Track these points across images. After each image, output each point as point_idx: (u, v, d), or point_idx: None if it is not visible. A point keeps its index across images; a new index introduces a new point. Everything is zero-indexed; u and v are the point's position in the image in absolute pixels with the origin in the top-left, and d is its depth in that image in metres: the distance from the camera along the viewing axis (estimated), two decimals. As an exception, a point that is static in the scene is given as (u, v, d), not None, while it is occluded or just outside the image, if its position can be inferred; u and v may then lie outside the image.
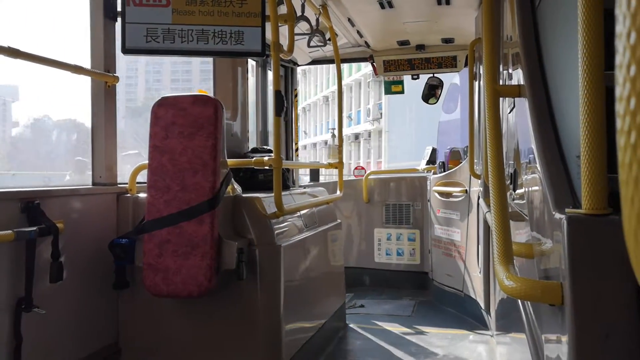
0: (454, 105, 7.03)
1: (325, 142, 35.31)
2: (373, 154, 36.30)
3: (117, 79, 3.39)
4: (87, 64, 3.26)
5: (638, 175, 0.39)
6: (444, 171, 5.83)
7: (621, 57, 0.40)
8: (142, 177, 3.41)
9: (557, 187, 1.33)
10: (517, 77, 2.14)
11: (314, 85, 45.82)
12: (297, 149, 5.98)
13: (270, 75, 5.51)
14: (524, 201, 2.04)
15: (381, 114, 35.08)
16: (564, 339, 1.16)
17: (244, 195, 3.34)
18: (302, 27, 4.38)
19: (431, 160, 6.67)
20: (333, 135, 5.66)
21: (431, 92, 6.19)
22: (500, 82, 3.22)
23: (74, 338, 3.02)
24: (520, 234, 2.19)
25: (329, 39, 4.79)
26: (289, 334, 3.32)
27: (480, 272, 4.70)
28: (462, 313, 5.19)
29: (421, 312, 5.38)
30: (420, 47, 5.88)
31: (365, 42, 5.78)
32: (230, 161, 3.34)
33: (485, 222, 4.13)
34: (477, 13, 4.71)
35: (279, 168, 3.18)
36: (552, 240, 1.31)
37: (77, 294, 3.03)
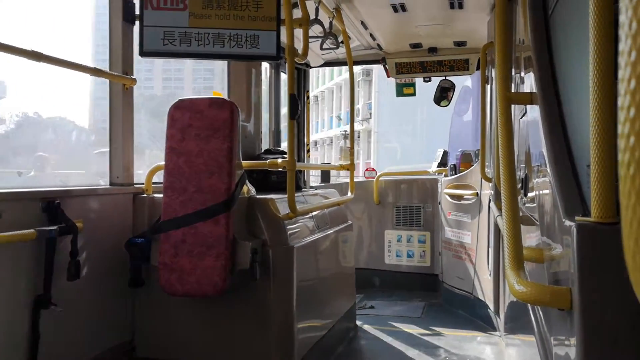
0: (466, 108, 7.04)
1: (345, 137, 34.86)
2: (362, 154, 35.12)
3: (134, 81, 3.46)
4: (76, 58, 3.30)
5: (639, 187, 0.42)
6: (455, 174, 5.85)
7: (622, 72, 0.43)
8: (158, 177, 3.47)
9: (567, 195, 1.37)
10: (529, 81, 2.17)
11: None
12: (308, 150, 6.03)
13: (283, 76, 5.57)
14: (535, 205, 2.07)
15: (371, 114, 34.37)
16: (573, 343, 1.19)
17: (257, 196, 3.40)
18: (315, 30, 4.42)
19: (442, 163, 6.69)
20: (345, 137, 5.69)
21: (443, 95, 6.21)
22: (513, 86, 3.25)
23: (90, 335, 3.09)
24: (531, 237, 2.22)
25: (342, 42, 4.84)
26: (301, 333, 3.37)
27: (490, 275, 4.72)
28: (472, 315, 5.21)
29: (431, 314, 5.41)
30: (433, 50, 5.91)
31: (378, 45, 5.82)
32: (244, 163, 3.40)
33: (496, 225, 4.15)
34: (489, 17, 4.73)
35: (293, 170, 3.23)
36: (562, 247, 1.35)
37: (94, 292, 3.10)
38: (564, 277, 1.34)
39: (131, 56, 3.47)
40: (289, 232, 3.36)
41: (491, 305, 4.74)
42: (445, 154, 6.80)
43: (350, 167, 5.00)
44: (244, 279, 3.15)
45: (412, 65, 6.05)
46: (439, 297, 6.01)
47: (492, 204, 4.40)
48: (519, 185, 2.70)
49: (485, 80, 4.88)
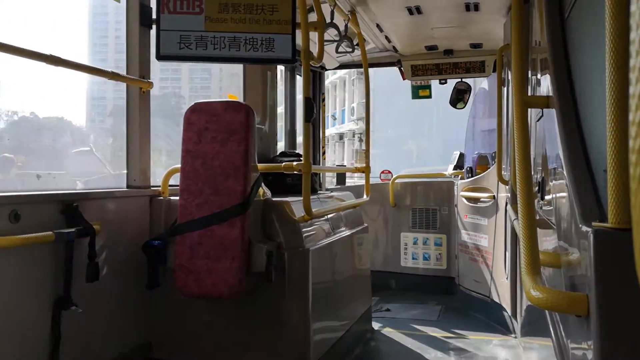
0: (483, 110, 7.01)
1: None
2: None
3: (151, 84, 3.49)
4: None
5: None
6: (472, 176, 5.82)
7: (634, 60, 0.43)
8: (174, 180, 3.50)
9: (584, 200, 1.36)
10: (546, 84, 2.15)
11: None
12: (324, 152, 6.03)
13: (298, 79, 5.59)
14: (551, 209, 2.06)
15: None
16: (590, 349, 1.19)
17: (273, 199, 3.41)
18: (330, 32, 4.43)
19: (458, 165, 6.66)
20: (360, 140, 5.69)
21: (459, 97, 6.19)
22: (529, 89, 3.23)
23: (109, 336, 3.12)
24: (547, 241, 2.21)
25: (357, 45, 4.84)
26: (316, 335, 3.37)
27: (507, 278, 4.69)
28: (489, 318, 5.17)
29: (447, 317, 5.38)
30: (449, 52, 5.89)
31: (393, 47, 5.81)
32: (260, 166, 3.41)
33: (513, 228, 4.13)
34: (505, 19, 4.70)
35: (309, 173, 3.23)
36: (579, 252, 1.34)
37: (112, 294, 3.13)
38: (580, 283, 1.33)
39: (148, 60, 3.51)
40: (304, 234, 3.37)
41: (508, 309, 4.71)
42: (461, 156, 6.77)
43: (366, 170, 5.00)
44: (259, 282, 3.17)
45: (427, 67, 6.04)
46: (455, 300, 5.97)
47: (508, 207, 4.37)
48: (536, 189, 2.68)
49: (501, 82, 4.85)
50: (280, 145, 5.17)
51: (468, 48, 5.79)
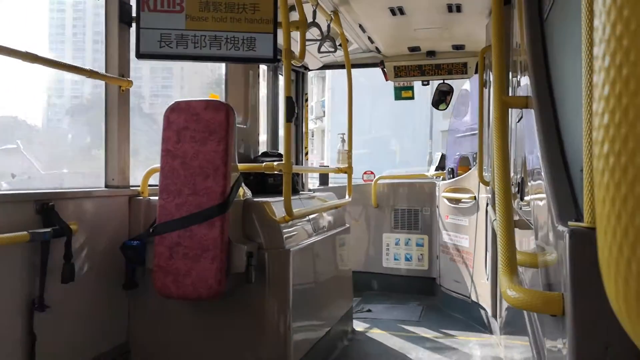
0: (464, 111, 7.05)
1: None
2: (316, 154, 31.70)
3: (130, 83, 3.45)
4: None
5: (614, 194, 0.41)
6: (453, 177, 5.85)
7: (597, 76, 0.42)
8: (154, 179, 3.46)
9: (561, 200, 1.36)
10: (526, 85, 2.16)
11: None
12: (307, 153, 6.02)
13: (281, 78, 5.57)
14: (530, 209, 2.07)
15: (324, 112, 31.63)
16: (565, 348, 1.19)
17: (253, 199, 3.39)
18: (313, 32, 4.42)
19: (440, 166, 6.69)
20: (343, 140, 5.71)
21: (441, 98, 6.21)
22: (510, 90, 3.24)
23: (85, 338, 3.07)
24: (526, 241, 2.22)
25: (340, 45, 4.83)
26: (296, 337, 3.35)
27: (487, 279, 4.71)
28: (469, 319, 5.20)
29: (428, 317, 5.40)
30: (431, 54, 5.91)
31: (376, 48, 5.82)
32: (241, 166, 3.39)
33: (493, 229, 4.15)
34: (487, 20, 4.73)
35: (289, 173, 3.22)
36: (555, 252, 1.34)
37: (89, 295, 3.09)
38: (557, 283, 1.33)
39: (128, 58, 3.47)
40: (285, 235, 3.35)
41: (488, 309, 4.73)
42: (443, 157, 6.80)
43: (348, 170, 4.99)
44: (239, 283, 3.14)
45: (410, 68, 6.05)
46: (436, 300, 6.00)
47: (489, 207, 4.40)
48: (516, 189, 2.69)
49: (483, 84, 4.88)
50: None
51: (450, 49, 5.81)
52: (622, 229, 0.38)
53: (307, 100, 6.15)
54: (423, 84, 6.27)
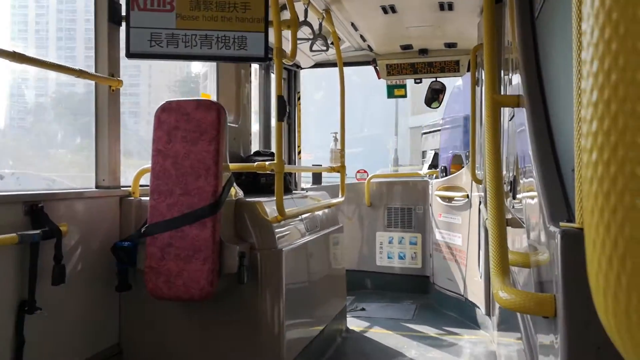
0: (459, 109, 7.06)
1: None
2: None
3: (121, 82, 3.42)
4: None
5: (597, 190, 0.39)
6: (446, 175, 5.84)
7: (585, 82, 0.41)
8: (145, 180, 3.44)
9: (553, 200, 1.35)
10: (517, 84, 2.16)
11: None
12: (299, 152, 6.00)
13: (273, 77, 5.54)
14: (522, 209, 2.06)
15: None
16: (557, 349, 1.18)
17: (245, 199, 3.37)
18: (305, 31, 4.40)
19: (433, 165, 6.69)
20: (335, 139, 5.69)
21: (434, 96, 6.21)
22: (502, 88, 3.24)
23: (77, 340, 3.05)
24: (519, 241, 2.21)
25: (332, 43, 4.81)
26: (290, 337, 3.34)
27: (481, 277, 4.71)
28: (463, 317, 5.20)
29: (422, 316, 5.40)
30: (423, 52, 5.90)
31: (368, 46, 5.80)
32: (232, 166, 3.37)
33: (486, 227, 4.15)
34: (479, 19, 4.73)
35: (281, 172, 3.20)
36: (547, 252, 1.33)
37: (80, 296, 3.06)
38: (549, 283, 1.32)
39: (118, 58, 3.44)
40: (277, 235, 3.34)
41: (482, 307, 4.73)
42: (436, 155, 6.80)
43: (341, 169, 4.98)
44: (231, 283, 3.13)
45: (402, 66, 6.04)
46: (430, 298, 6.00)
47: (482, 205, 4.40)
48: (508, 188, 2.68)
49: (475, 82, 4.87)
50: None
51: (443, 47, 5.81)
52: (612, 241, 0.37)
53: (299, 98, 6.13)
54: (415, 82, 6.26)
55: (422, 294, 6.15)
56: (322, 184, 6.89)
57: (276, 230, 3.35)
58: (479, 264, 4.79)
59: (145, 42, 3.39)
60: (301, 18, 4.00)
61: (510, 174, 2.68)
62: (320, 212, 4.43)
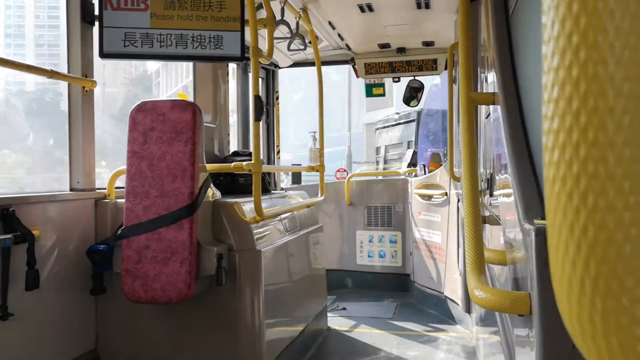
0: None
1: None
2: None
3: (94, 83, 3.37)
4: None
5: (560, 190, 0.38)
6: (425, 174, 5.86)
7: (545, 77, 0.40)
8: (121, 182, 3.39)
9: (527, 198, 1.35)
10: (493, 82, 2.16)
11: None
12: (278, 152, 5.97)
13: (251, 77, 5.50)
14: (498, 206, 2.06)
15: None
16: (533, 347, 1.18)
17: (223, 200, 3.34)
18: (282, 30, 4.38)
19: (412, 163, 6.71)
20: (314, 139, 5.68)
21: (412, 95, 6.22)
22: (479, 86, 3.25)
23: (52, 345, 2.99)
24: (496, 238, 2.21)
25: (310, 42, 4.80)
26: (269, 338, 3.32)
27: (460, 275, 4.74)
28: (443, 315, 5.22)
29: (403, 314, 5.41)
30: (401, 50, 5.92)
31: (347, 45, 5.80)
32: (209, 166, 3.33)
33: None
34: (456, 17, 4.74)
35: (259, 173, 3.18)
36: (522, 250, 1.33)
37: (55, 301, 3.00)
38: (524, 281, 1.32)
39: (91, 58, 3.38)
40: (255, 236, 3.31)
41: (462, 304, 4.75)
42: (414, 154, 6.82)
43: (320, 169, 4.97)
44: (210, 285, 3.09)
45: (381, 65, 6.05)
46: (410, 297, 6.01)
47: (460, 203, 4.41)
48: (486, 185, 2.69)
49: (452, 80, 4.89)
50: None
51: (420, 46, 5.82)
52: (575, 244, 0.36)
53: (277, 97, 6.10)
54: (394, 81, 6.27)
55: (402, 292, 6.17)
56: (302, 184, 6.87)
57: (254, 230, 3.33)
58: (458, 261, 4.81)
59: (119, 42, 3.34)
60: (278, 17, 3.98)
61: (488, 171, 2.69)
62: (299, 212, 4.41)
